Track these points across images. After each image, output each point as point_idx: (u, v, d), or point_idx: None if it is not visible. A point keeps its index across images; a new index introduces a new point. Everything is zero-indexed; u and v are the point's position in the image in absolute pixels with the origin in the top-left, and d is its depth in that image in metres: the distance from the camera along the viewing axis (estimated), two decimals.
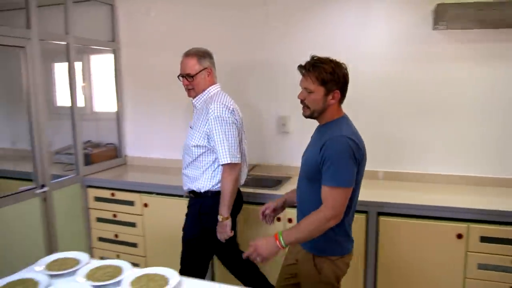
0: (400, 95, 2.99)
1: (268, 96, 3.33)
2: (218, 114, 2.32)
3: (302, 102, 1.85)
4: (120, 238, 3.31)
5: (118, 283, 1.51)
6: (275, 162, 3.38)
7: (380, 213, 2.59)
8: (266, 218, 2.14)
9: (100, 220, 3.40)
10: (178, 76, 2.44)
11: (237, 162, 2.32)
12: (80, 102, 3.39)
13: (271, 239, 1.73)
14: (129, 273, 1.59)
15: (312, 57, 1.81)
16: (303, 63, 1.82)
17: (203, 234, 2.46)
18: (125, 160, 3.86)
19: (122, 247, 3.32)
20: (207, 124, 2.35)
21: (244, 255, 1.77)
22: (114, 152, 3.79)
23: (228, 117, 2.33)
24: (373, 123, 3.03)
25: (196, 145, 2.40)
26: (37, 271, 1.63)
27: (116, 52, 3.73)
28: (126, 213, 3.25)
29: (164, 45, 3.54)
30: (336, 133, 1.77)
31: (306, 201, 1.88)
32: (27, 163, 3.23)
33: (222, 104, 2.35)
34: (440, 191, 2.82)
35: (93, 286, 1.48)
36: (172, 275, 1.57)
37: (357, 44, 3.03)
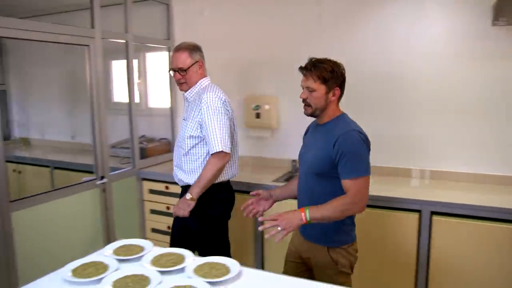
0: (455, 93, 2.93)
1: None
2: (211, 103, 2.36)
3: (304, 101, 1.97)
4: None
5: (182, 269, 1.59)
6: None
7: (434, 213, 2.56)
8: (247, 210, 2.20)
9: (153, 212, 3.53)
10: (169, 71, 2.47)
11: (227, 151, 2.34)
12: (136, 98, 3.54)
13: (297, 212, 1.79)
14: (191, 260, 1.66)
15: (311, 59, 1.96)
16: (303, 65, 1.95)
17: (213, 224, 2.50)
18: None
19: None
20: (199, 114, 2.38)
21: (263, 227, 1.78)
22: (167, 147, 3.92)
23: (220, 107, 2.37)
24: (415, 120, 3.03)
25: (190, 136, 2.44)
26: (106, 255, 1.74)
27: (170, 50, 3.85)
28: None
29: (217, 43, 3.62)
30: (345, 128, 1.90)
31: (316, 195, 1.95)
32: (85, 156, 3.41)
33: (215, 94, 2.40)
34: (487, 191, 2.76)
35: (159, 271, 1.56)
36: (233, 264, 1.63)
37: (411, 42, 2.99)
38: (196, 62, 2.47)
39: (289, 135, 3.47)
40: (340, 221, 1.89)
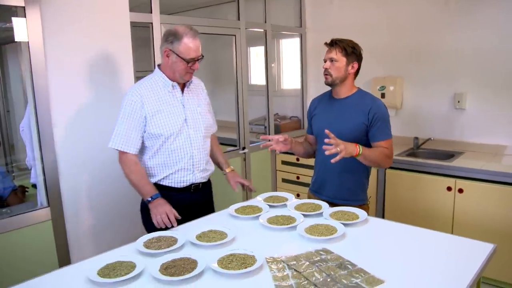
0: None
1: (444, 75, 3.47)
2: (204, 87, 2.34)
3: (326, 70, 2.23)
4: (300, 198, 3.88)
5: (321, 214, 1.99)
6: (449, 137, 3.52)
7: None
8: (266, 144, 2.33)
9: (284, 180, 4.01)
10: (197, 60, 2.07)
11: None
12: (271, 81, 4.01)
13: (352, 144, 2.04)
14: (327, 208, 2.05)
15: (334, 38, 2.23)
16: (328, 41, 2.24)
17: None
18: None
19: None
20: (207, 98, 2.33)
21: (328, 142, 1.97)
22: (297, 124, 4.37)
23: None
24: None
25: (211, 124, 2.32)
26: (259, 200, 2.22)
27: (302, 37, 4.26)
28: (308, 175, 3.78)
29: (344, 30, 3.91)
30: (373, 98, 2.23)
31: (346, 161, 2.13)
32: (225, 132, 3.99)
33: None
34: None
35: (302, 214, 1.98)
36: (361, 212, 1.98)
37: None
38: None
39: (413, 114, 3.66)
40: (366, 179, 2.32)
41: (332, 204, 2.17)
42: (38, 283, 1.51)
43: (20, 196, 2.85)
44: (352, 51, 2.19)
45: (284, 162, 3.98)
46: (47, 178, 2.39)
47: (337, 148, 1.97)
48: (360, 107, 2.20)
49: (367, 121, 2.17)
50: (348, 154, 2.01)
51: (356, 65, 2.23)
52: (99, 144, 2.57)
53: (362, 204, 2.29)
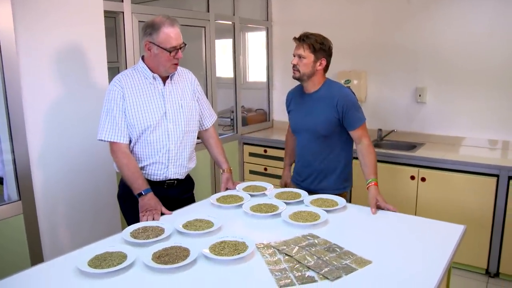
0: None
1: (406, 70, 3.65)
2: (194, 77, 2.30)
3: (294, 66, 2.25)
4: None
5: (301, 201, 2.06)
6: (411, 129, 3.70)
7: None
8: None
9: (252, 172, 4.06)
10: (179, 48, 2.04)
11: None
12: (238, 73, 4.04)
13: (375, 188, 2.09)
14: (307, 196, 2.12)
15: (305, 32, 2.24)
16: (297, 36, 2.25)
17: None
18: (272, 124, 4.49)
19: None
20: (196, 91, 2.27)
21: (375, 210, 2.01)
22: (263, 117, 4.43)
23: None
24: None
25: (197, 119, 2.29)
26: (238, 190, 2.25)
27: (268, 30, 4.31)
28: (276, 167, 3.87)
29: (311, 25, 3.99)
30: (338, 88, 2.27)
31: (326, 153, 2.30)
32: None
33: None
34: None
35: (285, 202, 2.04)
36: (340, 200, 2.07)
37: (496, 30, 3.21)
38: None
39: (376, 107, 3.81)
40: (351, 166, 2.40)
41: (312, 192, 2.23)
42: (18, 279, 1.45)
43: None
44: (320, 47, 2.20)
45: (251, 154, 4.04)
46: (18, 170, 2.30)
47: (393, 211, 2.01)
48: (328, 100, 2.24)
49: (337, 113, 2.22)
50: (378, 195, 2.05)
51: (324, 62, 2.25)
52: (74, 134, 2.51)
53: (340, 192, 2.36)
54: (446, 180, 3.00)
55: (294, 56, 2.26)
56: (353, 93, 2.32)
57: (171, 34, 1.99)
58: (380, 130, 3.71)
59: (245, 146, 4.07)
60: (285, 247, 1.59)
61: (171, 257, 1.52)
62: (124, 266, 1.47)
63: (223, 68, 4.20)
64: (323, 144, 2.30)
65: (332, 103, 2.22)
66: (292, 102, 2.45)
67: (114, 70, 3.07)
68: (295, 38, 2.26)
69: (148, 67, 2.09)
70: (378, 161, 3.20)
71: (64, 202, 2.54)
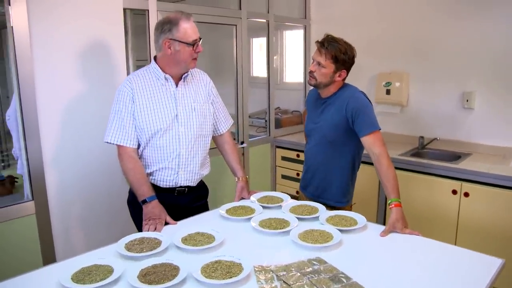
0: None
1: (452, 72, 3.32)
2: (209, 79, 2.18)
3: (311, 72, 2.08)
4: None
5: (317, 218, 1.87)
6: (455, 137, 3.37)
7: None
8: None
9: (284, 177, 3.88)
10: (198, 42, 1.94)
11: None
12: (273, 73, 3.87)
13: (398, 210, 1.82)
14: (324, 212, 1.93)
15: (327, 35, 2.02)
16: (320, 39, 2.05)
17: None
18: None
19: None
20: (211, 94, 2.15)
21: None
22: (299, 119, 4.23)
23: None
24: None
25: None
26: (252, 201, 2.09)
27: (306, 28, 4.11)
28: None
29: (350, 21, 3.78)
30: (351, 92, 2.08)
31: (331, 162, 2.14)
32: None
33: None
34: None
35: (297, 217, 1.86)
36: (360, 218, 1.86)
37: None
38: None
39: (418, 112, 3.51)
40: (352, 181, 2.20)
41: (315, 202, 2.08)
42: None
43: (8, 187, 2.75)
44: (342, 58, 2.02)
45: (284, 158, 3.86)
46: (32, 170, 2.28)
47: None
48: (338, 104, 2.08)
49: (345, 117, 2.03)
50: (397, 222, 1.78)
51: (344, 74, 2.08)
52: (88, 134, 2.47)
53: (343, 206, 2.19)
54: (492, 196, 2.67)
55: (313, 61, 2.08)
56: (368, 98, 2.11)
57: (189, 28, 1.91)
58: (421, 137, 3.40)
59: (277, 149, 3.90)
60: (285, 273, 1.42)
61: (158, 275, 1.39)
62: (107, 283, 1.37)
63: (259, 68, 4.06)
64: (329, 151, 2.15)
65: (341, 106, 2.06)
66: (308, 105, 2.32)
67: None
68: (317, 42, 2.08)
69: (160, 68, 1.98)
70: (416, 172, 2.98)
71: (79, 204, 2.50)
